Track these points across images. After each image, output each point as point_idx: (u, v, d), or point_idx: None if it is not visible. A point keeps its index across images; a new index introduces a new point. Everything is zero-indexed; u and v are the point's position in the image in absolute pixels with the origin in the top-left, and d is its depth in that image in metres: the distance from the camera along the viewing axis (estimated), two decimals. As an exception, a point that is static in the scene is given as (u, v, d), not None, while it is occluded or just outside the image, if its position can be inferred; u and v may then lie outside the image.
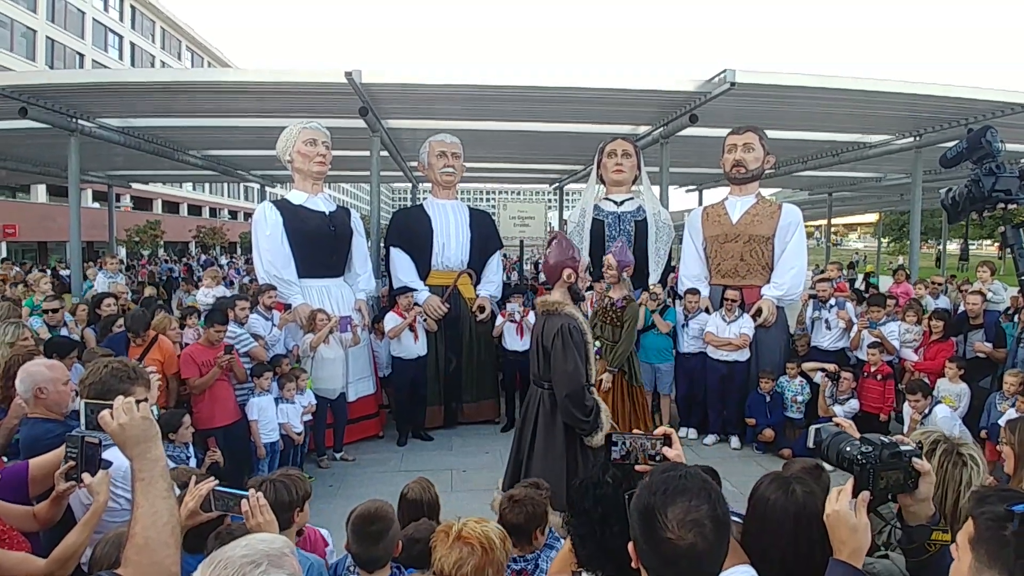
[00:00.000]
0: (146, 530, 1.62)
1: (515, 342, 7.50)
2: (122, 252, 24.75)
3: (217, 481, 2.29)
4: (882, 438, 1.58)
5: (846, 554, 1.47)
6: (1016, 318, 6.93)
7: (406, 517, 3.13)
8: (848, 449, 1.59)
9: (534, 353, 4.11)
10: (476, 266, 7.97)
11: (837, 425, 1.88)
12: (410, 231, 7.86)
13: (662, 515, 1.37)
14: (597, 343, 5.47)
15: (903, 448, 1.54)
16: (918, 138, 9.70)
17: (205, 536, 2.33)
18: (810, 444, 1.85)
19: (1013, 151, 10.60)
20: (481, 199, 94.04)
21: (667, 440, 1.79)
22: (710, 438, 7.28)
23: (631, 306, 5.61)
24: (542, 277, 13.90)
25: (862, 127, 10.08)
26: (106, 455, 2.16)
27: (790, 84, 7.48)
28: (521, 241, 12.05)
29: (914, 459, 1.53)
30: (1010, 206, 1.92)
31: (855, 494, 1.50)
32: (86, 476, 2.07)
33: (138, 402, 1.76)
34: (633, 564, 1.46)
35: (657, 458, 1.75)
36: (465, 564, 1.99)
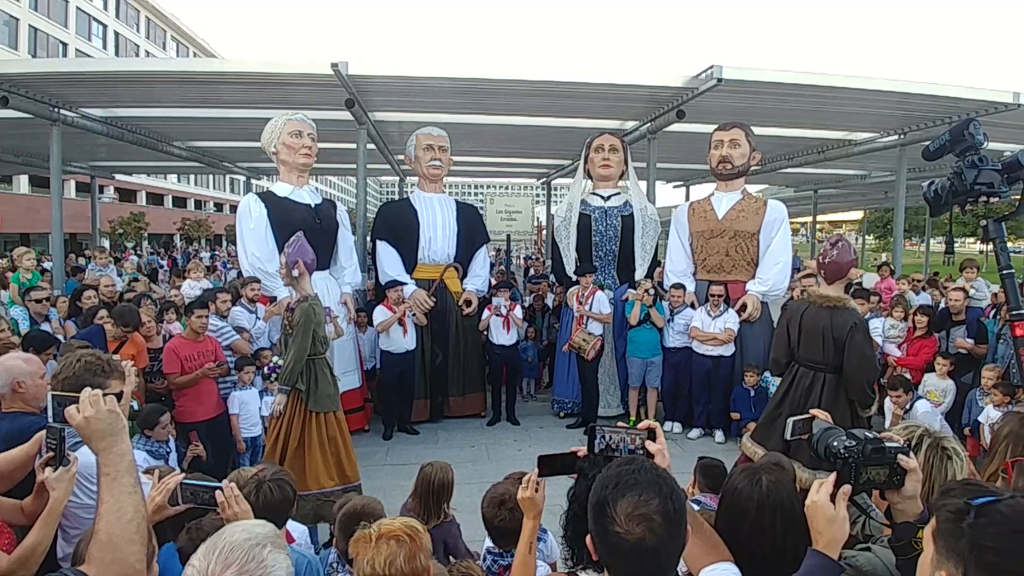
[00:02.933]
0: (110, 526, 1.59)
1: (501, 336, 7.49)
2: (105, 244, 24.46)
3: (184, 474, 2.27)
4: (867, 433, 1.57)
5: (822, 544, 1.48)
6: (997, 315, 7.00)
7: (423, 498, 3.28)
8: (835, 444, 1.59)
9: (815, 341, 4.39)
10: (463, 260, 7.96)
11: (814, 417, 1.88)
12: (396, 224, 7.83)
13: (611, 508, 1.37)
14: (278, 360, 4.89)
15: (889, 445, 1.53)
16: (903, 136, 9.76)
17: (179, 529, 2.31)
18: (787, 436, 1.85)
19: (998, 149, 10.69)
20: (469, 193, 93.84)
21: (651, 434, 1.76)
22: (695, 432, 7.31)
23: (300, 308, 4.72)
24: (529, 272, 13.93)
25: (848, 124, 10.13)
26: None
27: (777, 81, 7.49)
28: (508, 235, 12.04)
29: (900, 456, 1.53)
30: (992, 199, 1.94)
31: (837, 487, 1.51)
32: (48, 470, 2.03)
33: (106, 395, 1.73)
34: (593, 557, 1.46)
35: (639, 452, 1.73)
36: (398, 557, 1.92)
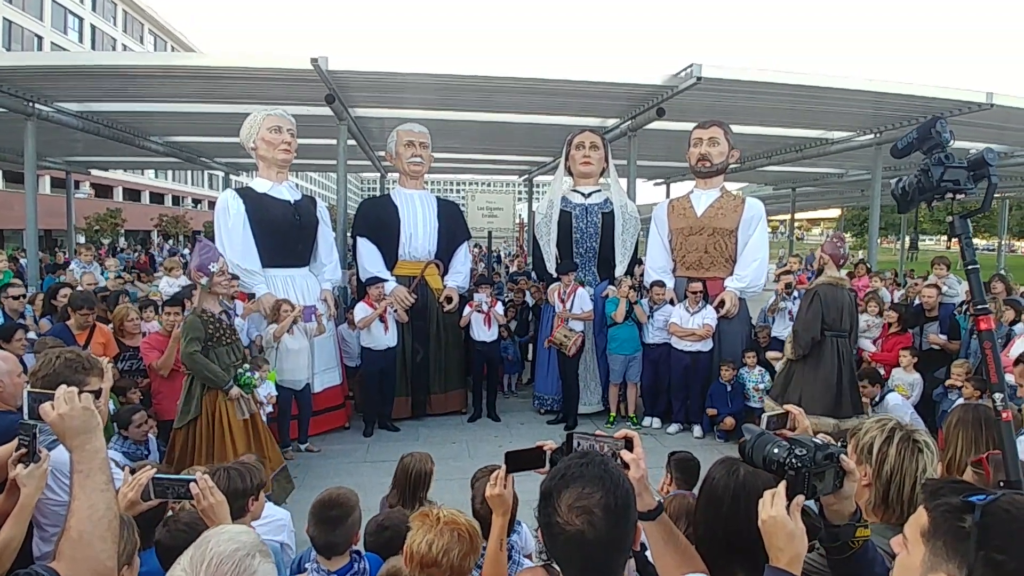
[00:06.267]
0: (81, 523, 1.59)
1: (483, 332, 7.50)
2: (82, 240, 24.09)
3: (156, 469, 2.27)
4: (813, 439, 1.52)
5: (784, 562, 1.39)
6: (968, 311, 7.13)
7: (401, 488, 3.34)
8: (776, 451, 1.49)
9: (847, 314, 5.73)
10: (444, 257, 7.96)
11: (788, 412, 1.88)
12: (377, 221, 7.81)
13: (555, 499, 1.38)
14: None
15: (833, 449, 1.49)
16: (878, 135, 9.91)
17: (148, 527, 2.31)
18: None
19: (970, 148, 10.88)
20: (450, 190, 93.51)
21: (628, 443, 1.72)
22: (673, 427, 7.39)
23: None
24: (512, 269, 13.93)
25: (824, 123, 10.27)
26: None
27: (755, 80, 7.57)
28: (489, 232, 12.04)
29: (842, 457, 1.49)
30: (958, 196, 1.98)
31: (789, 498, 1.43)
32: (19, 467, 2.03)
33: (83, 392, 1.73)
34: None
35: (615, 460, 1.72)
36: (453, 549, 2.00)
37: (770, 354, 7.22)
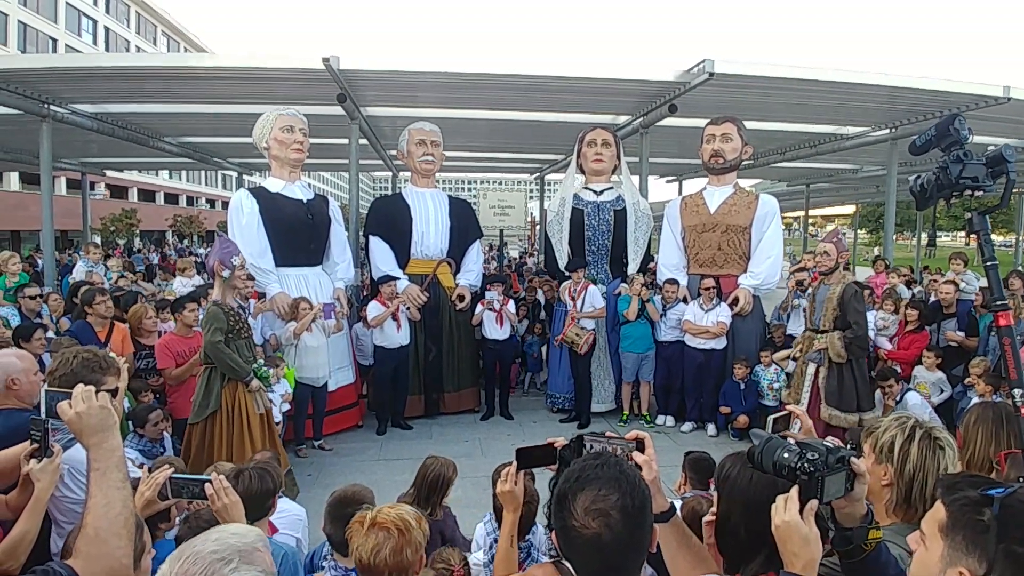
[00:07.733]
0: (97, 520, 1.61)
1: (495, 331, 7.49)
2: (97, 241, 24.32)
3: (173, 468, 2.29)
4: (825, 443, 1.49)
5: (800, 567, 1.38)
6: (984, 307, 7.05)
7: (418, 488, 3.36)
8: (786, 456, 1.47)
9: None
10: (456, 255, 7.96)
11: (791, 414, 1.84)
12: (389, 220, 7.82)
13: (571, 502, 1.37)
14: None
15: (843, 452, 1.46)
16: (894, 130, 9.82)
17: (158, 524, 2.33)
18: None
19: (988, 143, 10.75)
20: (462, 188, 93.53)
21: (639, 445, 1.70)
22: (687, 425, 7.35)
23: None
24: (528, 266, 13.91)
25: (839, 119, 10.18)
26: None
27: (769, 75, 7.51)
28: (501, 230, 12.03)
29: (852, 460, 1.46)
30: (977, 193, 1.97)
31: (802, 503, 1.41)
32: (32, 462, 2.05)
33: (100, 391, 1.74)
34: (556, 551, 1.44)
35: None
36: (383, 548, 1.96)
37: (778, 356, 7.13)
